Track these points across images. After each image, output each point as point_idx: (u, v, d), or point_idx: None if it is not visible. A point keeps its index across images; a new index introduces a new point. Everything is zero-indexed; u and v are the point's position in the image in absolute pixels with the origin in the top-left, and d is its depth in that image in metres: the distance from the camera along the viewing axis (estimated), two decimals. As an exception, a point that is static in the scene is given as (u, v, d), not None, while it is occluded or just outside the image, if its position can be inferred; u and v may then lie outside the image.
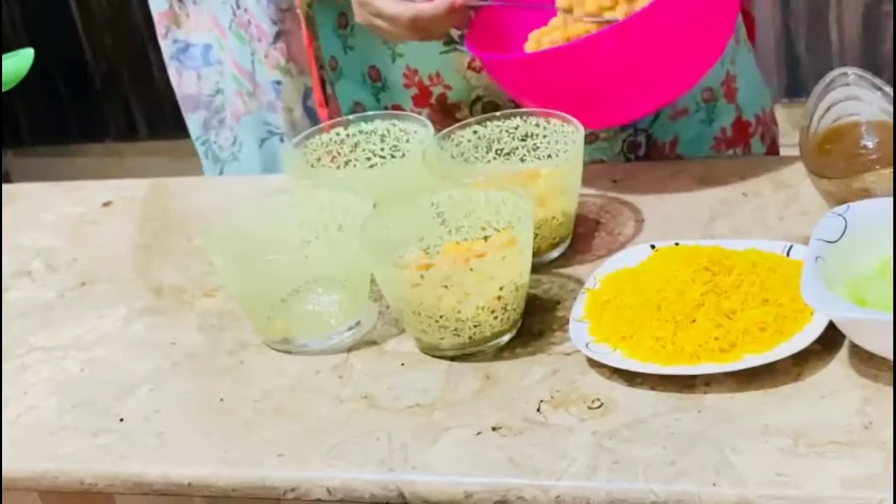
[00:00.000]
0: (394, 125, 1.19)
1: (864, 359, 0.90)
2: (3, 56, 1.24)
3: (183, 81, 1.44)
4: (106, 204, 1.36)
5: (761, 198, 1.14)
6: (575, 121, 1.10)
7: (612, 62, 1.08)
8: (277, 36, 1.31)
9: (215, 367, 1.04)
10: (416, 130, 1.16)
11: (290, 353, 1.04)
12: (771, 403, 0.88)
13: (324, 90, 1.31)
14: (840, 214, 0.96)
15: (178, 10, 1.41)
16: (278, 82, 1.35)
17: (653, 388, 0.92)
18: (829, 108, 1.06)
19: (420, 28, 1.13)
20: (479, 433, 0.91)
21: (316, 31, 1.31)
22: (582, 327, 0.98)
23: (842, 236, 0.94)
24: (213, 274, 1.15)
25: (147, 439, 0.97)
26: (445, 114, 1.26)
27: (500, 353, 0.99)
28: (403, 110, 1.28)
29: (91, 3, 3.17)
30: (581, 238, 1.13)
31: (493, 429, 0.91)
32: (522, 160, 1.15)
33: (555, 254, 1.10)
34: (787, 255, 1.00)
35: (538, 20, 1.20)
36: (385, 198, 1.06)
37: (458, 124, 1.15)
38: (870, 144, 1.04)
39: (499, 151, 1.15)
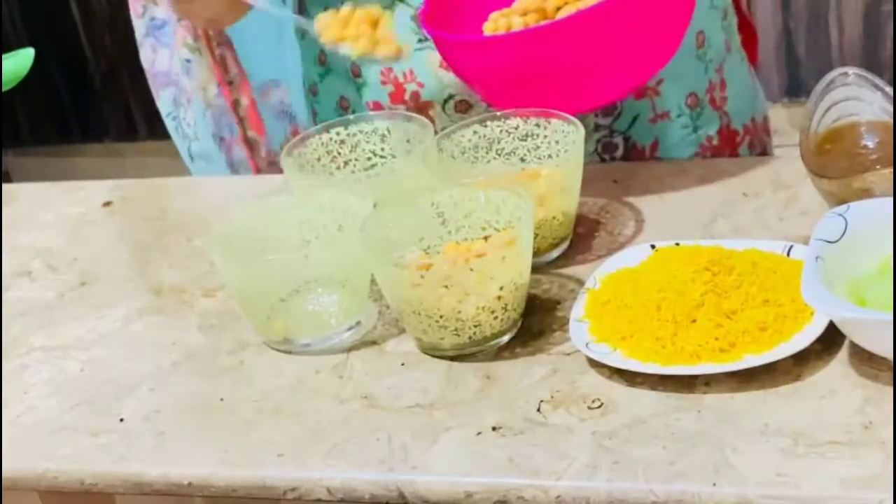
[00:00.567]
0: (394, 125, 1.19)
1: (864, 359, 0.90)
2: (3, 56, 1.24)
3: (158, 58, 1.43)
4: (106, 204, 1.36)
5: (761, 198, 1.14)
6: (575, 121, 1.10)
7: (562, 52, 1.07)
8: (180, 19, 1.31)
9: (215, 367, 1.04)
10: (416, 130, 1.16)
11: (290, 353, 1.04)
12: (771, 403, 0.89)
13: (224, 71, 1.32)
14: (840, 214, 0.96)
15: None
16: (188, 60, 1.34)
17: (653, 388, 0.92)
18: (829, 108, 1.06)
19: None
20: (479, 433, 0.91)
21: (326, 60, 1.31)
22: (582, 327, 0.98)
23: (842, 236, 0.94)
24: (213, 274, 1.15)
25: (147, 439, 0.97)
26: (419, 111, 1.26)
27: (500, 353, 0.99)
28: (382, 107, 1.28)
29: (91, 3, 3.17)
30: (581, 238, 1.13)
31: (493, 429, 0.91)
32: (523, 160, 1.15)
33: (555, 254, 1.10)
34: (787, 255, 1.00)
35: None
36: (385, 198, 1.06)
37: (458, 124, 1.15)
38: (870, 144, 1.04)
39: (499, 151, 1.15)
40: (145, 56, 1.46)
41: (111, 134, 3.33)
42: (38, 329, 1.14)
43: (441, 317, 0.97)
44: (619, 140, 1.28)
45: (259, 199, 1.10)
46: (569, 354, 0.97)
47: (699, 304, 0.95)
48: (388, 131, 1.19)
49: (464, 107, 1.25)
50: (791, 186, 1.14)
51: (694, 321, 0.94)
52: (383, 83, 1.27)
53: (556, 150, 1.13)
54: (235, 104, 1.43)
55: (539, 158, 1.14)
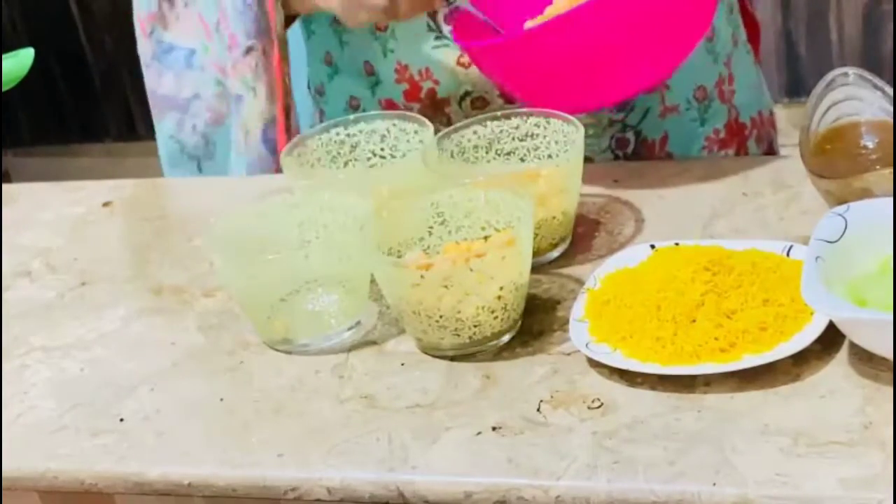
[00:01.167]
0: (394, 125, 1.19)
1: (864, 359, 0.90)
2: (3, 56, 1.24)
3: (163, 82, 1.42)
4: (106, 204, 1.36)
5: (761, 198, 1.14)
6: (575, 121, 1.10)
7: (589, 41, 1.07)
8: (248, 51, 1.30)
9: (215, 367, 1.04)
10: (416, 130, 1.16)
11: (290, 353, 1.04)
12: (771, 403, 0.89)
13: (287, 119, 1.31)
14: (840, 214, 0.96)
15: (168, 13, 1.39)
16: (240, 97, 1.33)
17: (653, 388, 0.92)
18: (829, 108, 1.06)
19: (395, 8, 1.14)
20: (479, 433, 0.91)
21: (287, 57, 1.30)
22: (582, 327, 0.98)
23: (842, 236, 0.94)
24: (213, 274, 1.15)
25: (147, 439, 0.97)
26: (435, 108, 1.26)
27: (500, 353, 0.99)
28: (396, 105, 1.28)
29: (91, 3, 3.17)
30: (581, 238, 1.13)
31: (493, 429, 0.91)
32: (522, 160, 1.15)
33: (555, 254, 1.10)
34: (787, 255, 1.00)
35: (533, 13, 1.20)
36: (385, 198, 1.06)
37: (458, 124, 1.15)
38: (870, 144, 1.04)
39: (499, 151, 1.15)
40: (150, 78, 1.44)
41: (111, 134, 3.33)
42: (38, 329, 1.14)
43: (441, 317, 0.97)
44: (630, 135, 1.28)
45: (259, 199, 1.10)
46: (569, 354, 0.97)
47: (699, 304, 0.95)
48: (388, 131, 1.19)
49: (481, 103, 1.25)
50: (791, 186, 1.14)
51: (694, 321, 0.94)
52: (398, 81, 1.27)
53: (556, 150, 1.13)
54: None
55: (539, 158, 1.14)
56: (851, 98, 1.06)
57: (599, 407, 0.91)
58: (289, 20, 1.30)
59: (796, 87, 2.82)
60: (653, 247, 1.05)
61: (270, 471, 0.92)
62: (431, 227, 1.05)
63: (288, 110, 1.31)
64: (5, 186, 1.42)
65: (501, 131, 1.15)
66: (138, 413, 1.00)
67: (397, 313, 1.02)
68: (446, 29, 1.23)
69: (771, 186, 1.16)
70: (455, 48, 1.23)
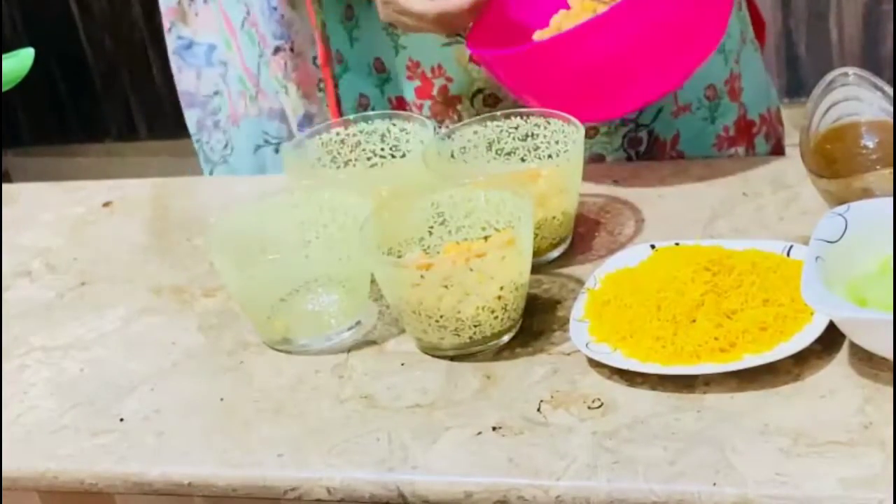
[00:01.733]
0: (394, 125, 1.19)
1: (864, 359, 0.90)
2: (3, 56, 1.24)
3: (182, 78, 1.43)
4: (106, 204, 1.36)
5: (761, 198, 1.14)
6: (575, 121, 1.11)
7: (604, 51, 1.08)
8: (276, 51, 1.30)
9: (215, 367, 1.04)
10: (416, 130, 1.16)
11: (290, 353, 1.04)
12: (771, 403, 0.88)
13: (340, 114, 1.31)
14: (840, 214, 0.96)
15: (187, 8, 1.40)
16: (277, 92, 1.34)
17: (653, 388, 0.92)
18: (829, 108, 1.06)
19: (446, 23, 1.14)
20: (479, 433, 0.91)
21: (343, 58, 1.31)
22: (582, 327, 0.98)
23: (842, 236, 0.94)
24: (213, 274, 1.15)
25: (147, 439, 0.97)
26: (447, 106, 1.26)
27: (500, 353, 0.99)
28: (407, 103, 1.28)
29: (91, 3, 3.17)
30: (581, 238, 1.13)
31: (493, 429, 0.91)
32: (522, 160, 1.15)
33: (555, 254, 1.10)
34: (787, 255, 1.00)
35: (544, 21, 1.20)
36: (385, 198, 1.06)
37: (458, 124, 1.16)
38: (870, 144, 1.04)
39: (499, 151, 1.15)
40: (175, 73, 1.45)
41: (111, 134, 3.33)
42: (38, 329, 1.14)
43: (441, 317, 0.97)
44: (643, 134, 1.28)
45: (259, 199, 1.10)
46: (569, 354, 0.97)
47: (699, 304, 0.95)
48: (388, 131, 1.19)
49: (493, 101, 1.26)
50: (791, 186, 1.14)
51: (694, 321, 0.94)
52: (409, 78, 1.27)
53: (556, 150, 1.13)
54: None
55: (539, 158, 1.14)
56: (851, 98, 1.06)
57: (599, 407, 0.91)
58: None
59: (796, 87, 2.82)
60: (653, 247, 1.05)
61: (270, 471, 0.92)
62: (431, 227, 1.05)
63: (339, 103, 1.31)
64: (5, 186, 1.42)
65: (501, 131, 1.15)
66: (138, 413, 1.00)
67: (397, 313, 1.02)
68: None
69: (771, 186, 1.16)
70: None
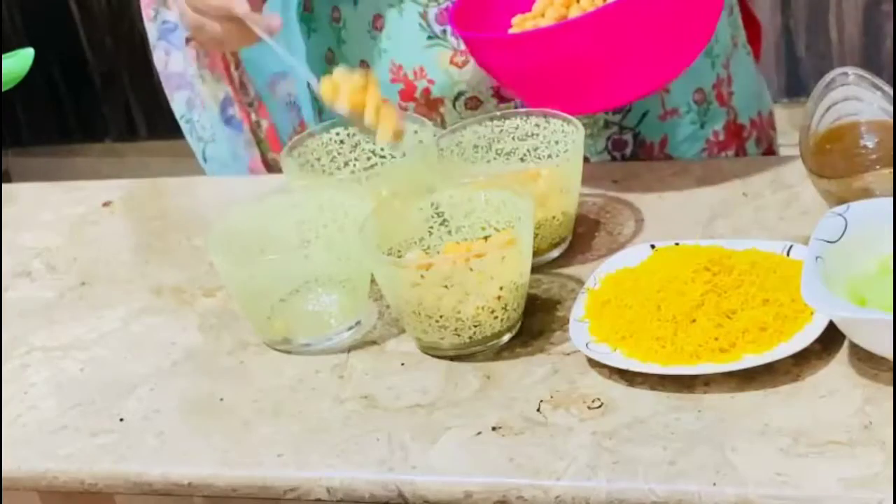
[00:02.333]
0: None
1: (864, 359, 0.90)
2: (3, 56, 1.24)
3: (171, 60, 1.43)
4: (106, 204, 1.36)
5: (761, 198, 1.14)
6: (575, 121, 1.11)
7: (596, 44, 1.08)
8: (187, 41, 1.31)
9: (215, 367, 1.04)
10: (416, 130, 1.16)
11: (290, 353, 1.04)
12: (771, 403, 0.89)
13: (243, 94, 1.32)
14: (840, 214, 0.96)
15: None
16: (193, 83, 1.36)
17: (653, 388, 0.92)
18: (829, 108, 1.06)
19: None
20: (479, 433, 0.91)
21: (334, 58, 1.31)
22: (582, 327, 0.98)
23: (842, 236, 0.94)
24: (213, 274, 1.15)
25: (147, 439, 0.97)
26: (429, 108, 1.26)
27: (500, 353, 0.99)
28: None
29: (91, 3, 3.17)
30: (581, 238, 1.13)
31: (493, 429, 0.91)
32: (522, 160, 1.15)
33: (555, 254, 1.10)
34: (787, 255, 1.00)
35: (523, 5, 1.20)
36: (385, 198, 1.06)
37: (458, 124, 1.16)
38: (870, 144, 1.04)
39: (499, 151, 1.15)
40: (158, 58, 1.45)
41: (111, 134, 3.33)
42: (38, 329, 1.14)
43: (441, 317, 0.97)
44: (628, 137, 1.28)
45: (259, 199, 1.10)
46: (569, 354, 0.97)
47: (699, 304, 0.95)
48: (388, 131, 1.19)
49: (474, 103, 1.25)
50: (791, 186, 1.14)
51: (694, 321, 0.94)
52: (393, 81, 1.27)
53: (556, 150, 1.13)
54: (256, 126, 1.43)
55: (539, 158, 1.14)
56: (851, 98, 1.06)
57: (599, 407, 0.91)
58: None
59: (796, 87, 2.82)
60: (653, 247, 1.05)
61: (270, 471, 0.92)
62: (431, 227, 1.05)
63: (242, 86, 1.32)
64: (5, 186, 1.42)
65: (501, 131, 1.15)
66: (138, 413, 1.00)
67: (397, 313, 1.02)
68: (437, 28, 1.23)
69: (771, 186, 1.16)
70: (448, 47, 1.23)
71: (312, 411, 0.96)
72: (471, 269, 0.95)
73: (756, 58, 1.40)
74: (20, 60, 1.24)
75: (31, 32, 3.24)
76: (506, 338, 1.00)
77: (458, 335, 0.98)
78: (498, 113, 1.15)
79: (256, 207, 1.09)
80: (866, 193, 1.00)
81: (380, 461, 0.90)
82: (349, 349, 1.03)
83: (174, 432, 0.97)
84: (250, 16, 1.11)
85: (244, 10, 1.11)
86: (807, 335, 0.91)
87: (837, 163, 1.04)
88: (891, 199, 0.95)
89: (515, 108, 1.20)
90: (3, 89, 1.24)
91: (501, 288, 0.97)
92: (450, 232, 1.05)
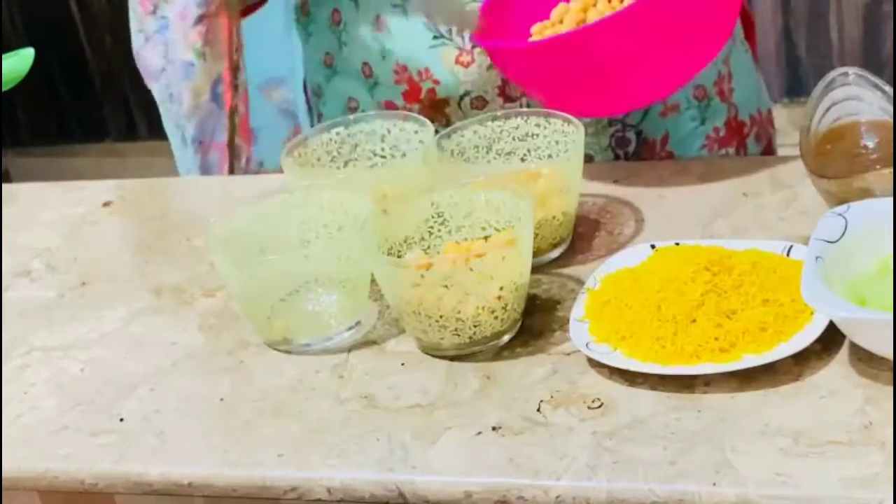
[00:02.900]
0: (394, 125, 1.19)
1: (864, 359, 0.90)
2: (3, 56, 1.24)
3: (169, 51, 1.45)
4: (106, 204, 1.36)
5: (761, 198, 1.14)
6: (575, 120, 1.11)
7: (617, 48, 1.08)
8: (199, 20, 1.31)
9: (215, 367, 1.04)
10: (416, 130, 1.16)
11: (290, 353, 1.04)
12: (771, 403, 0.89)
13: (234, 76, 1.33)
14: (840, 214, 0.96)
15: None
16: (191, 64, 1.35)
17: (653, 388, 0.92)
18: (829, 108, 1.06)
19: None
20: (479, 433, 0.91)
21: (236, 15, 1.32)
22: (582, 327, 0.98)
23: (842, 236, 0.94)
24: (213, 274, 1.15)
25: (147, 439, 0.97)
26: (435, 109, 1.26)
27: (500, 353, 0.99)
28: (396, 106, 1.28)
29: (91, 3, 3.17)
30: (581, 238, 1.13)
31: (493, 429, 0.91)
32: (522, 160, 1.15)
33: (555, 254, 1.10)
34: (787, 255, 1.00)
35: (542, 14, 1.20)
36: (385, 198, 1.06)
37: (458, 124, 1.16)
38: (870, 144, 1.04)
39: (499, 151, 1.15)
40: (158, 51, 1.46)
41: (111, 134, 3.33)
42: (38, 329, 1.14)
43: (441, 317, 0.97)
44: (631, 135, 1.28)
45: (259, 199, 1.10)
46: (569, 354, 0.97)
47: (699, 304, 0.95)
48: (388, 131, 1.19)
49: (480, 103, 1.25)
50: (791, 186, 1.14)
51: (694, 321, 0.94)
52: (397, 82, 1.27)
53: (556, 150, 1.13)
54: (233, 110, 1.43)
55: (539, 158, 1.14)
56: (851, 98, 1.06)
57: (599, 407, 0.91)
58: None
59: (796, 87, 2.82)
60: (653, 247, 1.05)
61: (270, 471, 0.92)
62: (431, 227, 1.05)
63: (236, 69, 1.32)
64: (5, 186, 1.42)
65: (501, 131, 1.15)
66: (138, 413, 1.00)
67: (397, 313, 1.02)
68: (443, 28, 1.23)
69: (771, 186, 1.16)
70: (454, 47, 1.23)
71: (312, 411, 0.96)
72: (471, 269, 0.95)
73: (753, 55, 1.41)
74: (20, 60, 1.24)
75: (31, 32, 3.24)
76: (506, 338, 1.00)
77: (458, 335, 0.98)
78: (498, 113, 1.15)
79: (256, 207, 1.09)
80: (866, 193, 1.00)
81: (380, 461, 0.90)
82: (349, 349, 1.03)
83: (174, 432, 0.97)
84: None
85: None
86: (807, 335, 0.91)
87: (837, 163, 1.03)
88: (891, 199, 0.95)
89: (521, 107, 1.20)
90: (3, 89, 1.23)
91: (501, 288, 0.97)
92: (450, 232, 1.05)
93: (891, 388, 0.87)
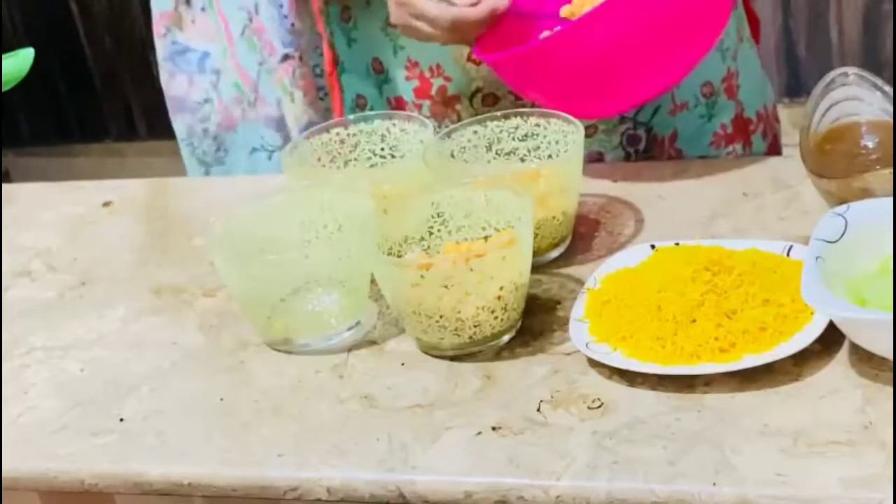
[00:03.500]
0: (394, 125, 1.19)
1: (864, 359, 0.90)
2: (3, 56, 1.24)
3: (174, 83, 1.43)
4: (106, 204, 1.36)
5: (761, 198, 1.14)
6: (575, 120, 1.11)
7: (604, 46, 1.08)
8: (284, 58, 1.31)
9: (215, 367, 1.04)
10: (416, 130, 1.16)
11: (290, 353, 1.04)
12: (771, 403, 0.89)
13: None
14: (840, 214, 0.96)
15: (184, 14, 1.40)
16: (280, 98, 1.35)
17: (653, 388, 0.92)
18: (829, 108, 1.06)
19: (458, 31, 1.14)
20: (479, 433, 0.91)
21: (340, 59, 1.31)
22: (582, 327, 0.98)
23: (842, 236, 0.94)
24: (213, 274, 1.15)
25: (147, 439, 0.97)
26: (446, 106, 1.26)
27: (500, 353, 0.99)
28: (405, 103, 1.28)
29: (91, 3, 3.17)
30: (581, 238, 1.13)
31: (493, 429, 0.91)
32: (522, 160, 1.15)
33: (555, 254, 1.10)
34: (787, 255, 1.00)
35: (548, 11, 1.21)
36: (385, 198, 1.06)
37: (458, 124, 1.16)
38: (870, 144, 1.04)
39: (499, 151, 1.15)
40: (164, 78, 1.45)
41: (111, 134, 3.33)
42: (38, 329, 1.14)
43: (441, 317, 0.97)
44: (641, 132, 1.28)
45: (259, 199, 1.10)
46: (569, 354, 0.97)
47: (699, 304, 0.95)
48: (388, 131, 1.19)
49: (491, 100, 1.25)
50: (791, 186, 1.14)
51: (694, 321, 0.94)
52: (408, 78, 1.27)
53: (556, 150, 1.13)
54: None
55: (539, 158, 1.14)
56: (851, 98, 1.06)
57: (599, 407, 0.91)
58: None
59: (796, 87, 2.82)
60: (653, 247, 1.05)
61: (270, 471, 0.92)
62: (431, 227, 1.05)
63: (343, 112, 1.31)
64: (5, 186, 1.42)
65: (501, 131, 1.15)
66: (138, 413, 1.00)
67: (397, 313, 1.02)
68: None
69: (771, 186, 1.16)
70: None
71: (312, 411, 0.96)
72: (471, 269, 0.95)
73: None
74: (20, 60, 1.24)
75: (31, 32, 3.24)
76: (506, 338, 1.00)
77: (458, 335, 0.98)
78: (498, 113, 1.15)
79: (256, 207, 1.09)
80: (866, 193, 1.00)
81: (380, 461, 0.90)
82: (349, 349, 1.03)
83: (174, 432, 0.97)
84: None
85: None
86: (807, 335, 0.91)
87: (837, 163, 1.03)
88: (891, 199, 0.95)
89: (532, 104, 1.20)
90: (3, 89, 1.24)
91: (501, 288, 0.97)
92: (450, 232, 1.05)
93: (891, 388, 0.87)
